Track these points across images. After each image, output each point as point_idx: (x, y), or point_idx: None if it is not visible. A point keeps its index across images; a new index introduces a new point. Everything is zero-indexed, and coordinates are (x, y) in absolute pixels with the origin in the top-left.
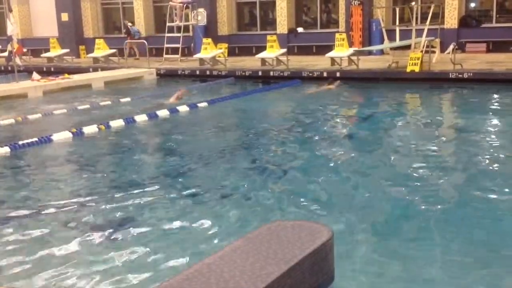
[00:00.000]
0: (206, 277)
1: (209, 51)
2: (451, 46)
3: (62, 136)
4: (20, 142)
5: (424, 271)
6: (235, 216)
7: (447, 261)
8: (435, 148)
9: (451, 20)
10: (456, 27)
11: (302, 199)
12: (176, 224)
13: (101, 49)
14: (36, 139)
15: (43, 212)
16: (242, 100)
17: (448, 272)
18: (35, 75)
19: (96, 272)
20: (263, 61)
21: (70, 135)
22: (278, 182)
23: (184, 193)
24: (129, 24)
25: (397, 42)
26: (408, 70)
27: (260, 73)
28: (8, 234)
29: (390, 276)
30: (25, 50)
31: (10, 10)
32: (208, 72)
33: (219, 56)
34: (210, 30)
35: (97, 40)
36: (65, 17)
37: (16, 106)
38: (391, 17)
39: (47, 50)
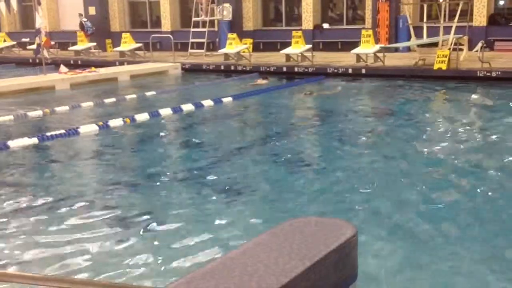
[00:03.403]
0: (230, 271)
1: (234, 46)
2: (480, 44)
3: (88, 128)
4: (48, 134)
5: (448, 273)
6: (257, 211)
7: (472, 266)
8: (462, 147)
9: (479, 18)
10: (485, 25)
11: (325, 196)
12: (198, 217)
13: (128, 43)
14: (63, 131)
15: (67, 202)
16: (266, 96)
17: (474, 278)
18: (62, 68)
19: (115, 263)
20: (288, 57)
21: (96, 127)
22: (301, 178)
23: (207, 187)
24: (84, 19)
25: (425, 39)
26: (435, 67)
27: (284, 69)
28: (33, 222)
29: (411, 275)
30: (53, 43)
31: (39, 4)
32: (232, 67)
33: (244, 52)
34: (235, 25)
35: (123, 34)
36: (92, 11)
37: (44, 98)
38: (418, 13)
39: (74, 43)
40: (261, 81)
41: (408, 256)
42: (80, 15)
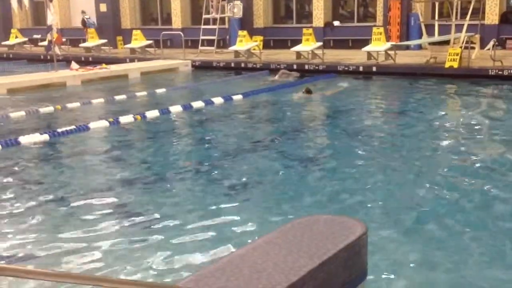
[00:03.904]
0: (239, 268)
1: (244, 43)
2: (491, 42)
3: (99, 125)
4: (59, 130)
5: (462, 272)
6: (267, 208)
7: (484, 263)
8: (474, 146)
9: (491, 16)
10: (497, 23)
11: (335, 194)
12: (208, 214)
13: (138, 40)
14: (74, 127)
15: (77, 198)
16: (276, 93)
17: (487, 275)
18: (73, 65)
19: (127, 260)
20: (298, 54)
21: (107, 124)
22: (311, 176)
23: (217, 183)
24: (86, 16)
25: (436, 37)
26: (446, 66)
27: (295, 67)
28: (43, 218)
29: (423, 275)
30: (64, 39)
31: (51, 0)
32: (243, 65)
33: (254, 49)
34: (245, 22)
35: (134, 31)
36: (103, 7)
37: (55, 94)
38: (430, 11)
39: (85, 40)
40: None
41: (422, 256)
42: (83, 12)
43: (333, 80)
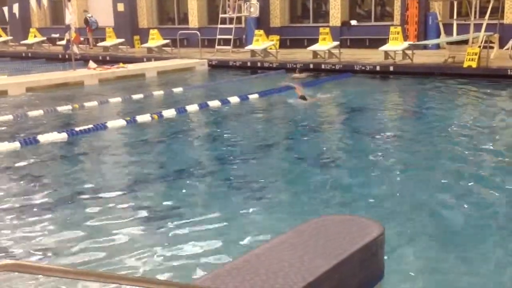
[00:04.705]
0: (255, 268)
1: (260, 43)
2: (511, 42)
3: (116, 123)
4: (77, 129)
5: (478, 273)
6: (283, 208)
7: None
8: (492, 147)
9: (511, 15)
10: None
11: (352, 194)
12: (224, 213)
13: (155, 39)
14: (92, 126)
15: (95, 195)
16: (291, 93)
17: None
18: (91, 64)
19: (143, 258)
20: (315, 53)
21: (124, 123)
22: (328, 176)
23: (232, 182)
24: (88, 15)
25: (454, 37)
26: (465, 65)
27: (311, 66)
28: (61, 215)
29: (441, 276)
30: (82, 39)
31: (69, 0)
32: (259, 64)
33: (271, 48)
34: (262, 21)
35: (151, 31)
36: (121, 7)
37: (73, 93)
38: (448, 10)
39: (103, 40)
40: (298, 75)
41: (441, 258)
42: (85, 11)
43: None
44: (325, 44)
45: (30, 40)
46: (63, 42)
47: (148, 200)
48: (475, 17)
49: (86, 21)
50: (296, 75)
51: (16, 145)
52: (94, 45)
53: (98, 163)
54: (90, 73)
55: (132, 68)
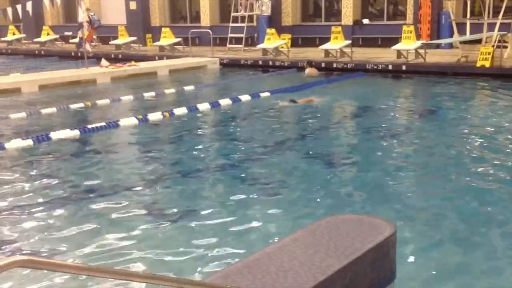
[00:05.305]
0: (266, 266)
1: (272, 41)
2: None
3: (128, 121)
4: (89, 126)
5: (488, 274)
6: (294, 206)
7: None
8: (505, 148)
9: None
10: None
11: (362, 194)
12: (234, 211)
13: (167, 38)
14: (104, 123)
15: (106, 193)
16: (304, 91)
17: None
18: (103, 62)
19: (154, 254)
20: (327, 52)
21: (136, 121)
22: (339, 175)
23: (243, 181)
24: (91, 13)
25: (468, 36)
26: (478, 65)
27: (323, 65)
28: (71, 212)
29: (451, 278)
30: (94, 37)
31: None
32: (270, 63)
33: (282, 47)
34: (274, 20)
35: (163, 29)
36: (133, 5)
37: (85, 91)
38: (461, 9)
39: (115, 38)
40: (309, 70)
41: (455, 260)
42: (87, 9)
43: (361, 77)
44: (337, 43)
45: (43, 38)
46: (76, 40)
47: (159, 197)
48: (488, 17)
49: (89, 20)
50: (308, 70)
51: (29, 142)
52: (97, 43)
53: (110, 161)
54: (102, 71)
55: (144, 66)
